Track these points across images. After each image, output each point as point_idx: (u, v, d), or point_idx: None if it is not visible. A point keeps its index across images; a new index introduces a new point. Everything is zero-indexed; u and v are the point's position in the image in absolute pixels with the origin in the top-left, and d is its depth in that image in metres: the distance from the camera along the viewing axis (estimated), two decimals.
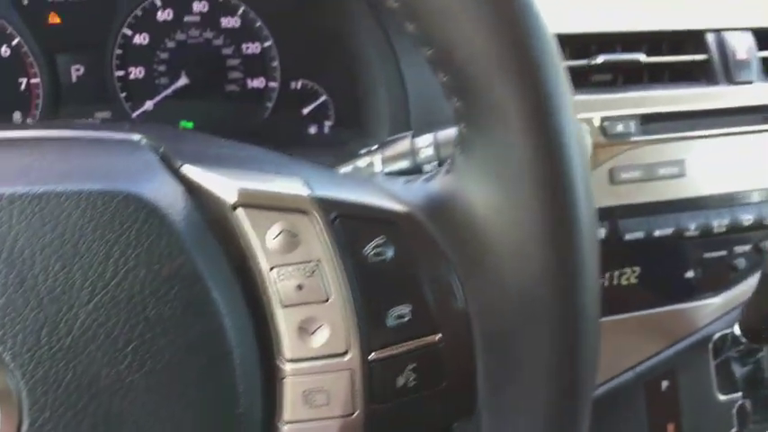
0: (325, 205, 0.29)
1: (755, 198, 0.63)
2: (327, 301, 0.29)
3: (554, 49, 0.29)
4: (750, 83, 0.63)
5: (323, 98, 0.70)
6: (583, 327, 0.31)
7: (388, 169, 0.45)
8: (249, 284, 0.29)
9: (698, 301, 0.64)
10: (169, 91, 0.66)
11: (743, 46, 0.63)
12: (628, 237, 0.61)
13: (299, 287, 0.29)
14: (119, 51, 0.64)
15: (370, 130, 0.67)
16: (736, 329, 0.60)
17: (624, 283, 0.63)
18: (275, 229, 0.29)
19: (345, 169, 0.46)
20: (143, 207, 0.26)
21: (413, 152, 0.44)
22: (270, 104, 0.69)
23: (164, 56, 0.66)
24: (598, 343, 0.32)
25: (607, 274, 0.63)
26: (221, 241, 0.29)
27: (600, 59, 0.60)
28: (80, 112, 0.65)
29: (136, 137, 0.33)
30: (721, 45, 0.63)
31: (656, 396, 0.64)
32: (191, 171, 0.29)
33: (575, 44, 0.62)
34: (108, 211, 0.26)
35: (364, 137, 0.67)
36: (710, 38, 0.63)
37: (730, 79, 0.63)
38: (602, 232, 0.60)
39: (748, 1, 0.66)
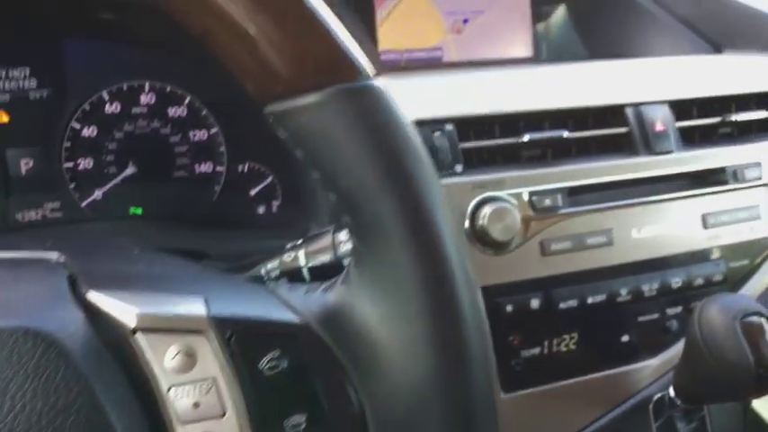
0: (221, 324, 0.31)
1: (682, 261, 0.66)
2: (224, 416, 0.31)
3: (426, 165, 0.32)
4: (670, 152, 0.66)
5: (269, 179, 0.73)
6: (474, 419, 0.33)
7: (311, 263, 0.47)
8: (149, 404, 0.31)
9: (635, 364, 0.66)
10: (118, 179, 0.69)
11: (660, 118, 0.67)
12: (562, 305, 0.63)
13: (196, 405, 0.30)
14: (67, 144, 0.67)
15: (315, 210, 0.69)
16: (671, 392, 0.62)
17: (563, 349, 0.65)
18: (173, 349, 0.31)
19: (272, 264, 0.48)
20: (41, 341, 0.28)
21: (333, 246, 0.46)
22: (218, 188, 0.72)
23: (112, 146, 0.68)
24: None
25: (545, 342, 0.64)
26: (121, 364, 0.30)
27: (526, 137, 0.64)
28: (29, 203, 0.67)
29: (53, 256, 0.35)
30: (640, 118, 0.66)
31: None
32: (95, 297, 0.31)
33: (504, 123, 0.65)
34: (6, 348, 0.28)
35: (311, 216, 0.69)
36: (630, 111, 0.67)
37: (650, 150, 0.66)
38: (537, 302, 0.62)
39: (664, 75, 0.70)
